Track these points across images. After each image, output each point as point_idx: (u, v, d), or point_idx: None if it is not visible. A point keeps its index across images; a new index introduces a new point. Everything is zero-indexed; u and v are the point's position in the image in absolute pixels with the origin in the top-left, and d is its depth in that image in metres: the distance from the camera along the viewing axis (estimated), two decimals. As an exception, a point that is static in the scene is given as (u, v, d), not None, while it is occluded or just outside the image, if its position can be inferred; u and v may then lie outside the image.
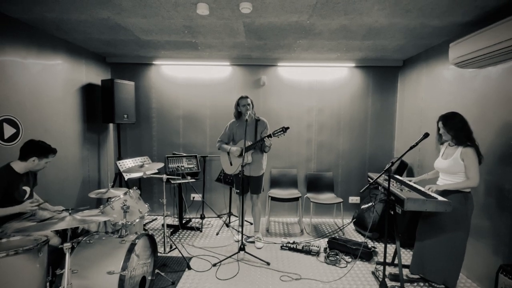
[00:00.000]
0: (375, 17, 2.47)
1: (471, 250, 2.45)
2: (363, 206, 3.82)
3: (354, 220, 3.83)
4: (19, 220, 2.23)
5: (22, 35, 2.71)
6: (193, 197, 4.28)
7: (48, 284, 1.87)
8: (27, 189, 2.30)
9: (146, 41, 3.29)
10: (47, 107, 3.03)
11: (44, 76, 3.00)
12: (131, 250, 1.96)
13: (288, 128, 2.91)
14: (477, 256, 2.54)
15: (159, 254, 2.63)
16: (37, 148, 2.25)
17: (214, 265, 2.83)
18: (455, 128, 2.20)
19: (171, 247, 3.16)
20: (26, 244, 1.76)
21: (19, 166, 2.22)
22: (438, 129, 2.33)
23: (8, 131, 2.54)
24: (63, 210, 2.39)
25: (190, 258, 2.96)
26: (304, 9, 2.34)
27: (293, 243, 3.21)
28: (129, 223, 2.42)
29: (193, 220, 4.10)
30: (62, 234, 2.21)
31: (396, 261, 2.78)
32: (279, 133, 2.92)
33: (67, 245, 1.71)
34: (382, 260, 2.50)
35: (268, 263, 2.86)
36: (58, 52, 3.19)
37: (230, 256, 2.93)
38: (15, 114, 2.61)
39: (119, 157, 3.90)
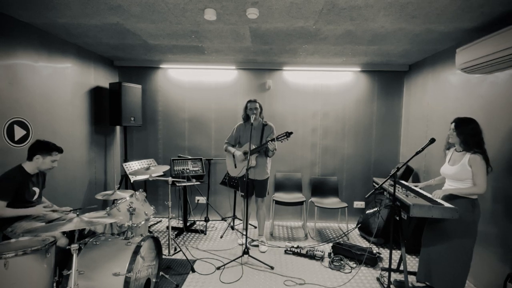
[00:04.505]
0: (381, 22, 2.47)
1: (478, 258, 2.41)
2: (368, 211, 3.79)
3: (359, 225, 3.81)
4: (28, 220, 2.26)
5: (34, 39, 2.78)
6: (198, 200, 4.30)
7: (55, 284, 1.90)
8: (37, 190, 2.35)
9: (154, 46, 3.34)
10: (56, 110, 3.09)
11: (54, 79, 3.06)
12: (136, 252, 1.98)
13: (291, 133, 2.92)
14: (484, 264, 2.50)
15: (163, 257, 2.65)
16: (40, 146, 2.29)
17: (218, 268, 2.83)
18: (466, 133, 2.17)
19: (175, 249, 3.17)
20: (34, 244, 1.79)
21: (29, 167, 2.27)
22: (449, 131, 2.31)
23: (19, 133, 2.60)
24: (71, 210, 2.42)
25: (194, 261, 2.97)
26: (310, 15, 2.36)
27: (297, 247, 3.20)
28: (135, 225, 2.45)
29: (197, 222, 4.13)
30: (69, 235, 2.24)
31: (401, 268, 2.75)
32: (282, 138, 2.93)
33: (74, 246, 1.74)
34: (387, 266, 2.48)
35: (272, 267, 2.86)
36: (68, 56, 3.26)
37: (234, 260, 2.94)
38: (26, 116, 2.67)
39: (126, 159, 3.94)
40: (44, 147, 2.30)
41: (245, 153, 3.22)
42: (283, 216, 4.29)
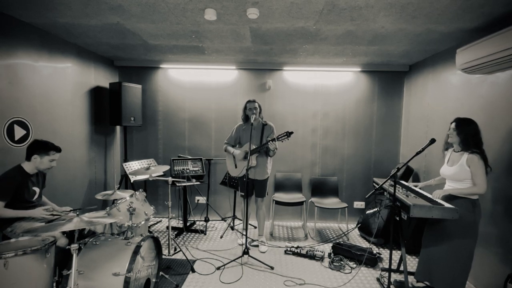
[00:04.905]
0: (381, 23, 2.47)
1: (478, 259, 2.41)
2: (368, 212, 3.79)
3: (359, 225, 3.81)
4: (28, 220, 2.26)
5: (34, 39, 2.78)
6: (198, 200, 4.30)
7: (54, 284, 1.90)
8: (37, 190, 2.34)
9: (154, 46, 3.34)
10: (56, 109, 3.09)
11: (54, 79, 3.06)
12: (136, 252, 1.98)
13: (292, 132, 2.92)
14: (484, 265, 2.50)
15: (163, 257, 2.65)
16: (38, 146, 2.28)
17: (218, 268, 2.83)
18: (466, 133, 2.18)
19: (175, 249, 3.17)
20: (34, 244, 1.79)
21: (27, 167, 2.27)
22: (448, 130, 2.31)
23: (19, 132, 2.60)
24: (70, 210, 2.42)
25: (194, 261, 2.97)
26: (311, 15, 2.36)
27: (297, 247, 3.20)
28: (135, 225, 2.45)
29: (197, 222, 4.12)
30: (69, 235, 2.24)
31: (401, 268, 2.75)
32: (283, 138, 2.93)
33: (74, 246, 1.73)
34: (387, 266, 2.48)
35: (271, 268, 2.86)
36: (68, 56, 3.26)
37: (234, 260, 2.94)
38: (26, 116, 2.67)
39: (126, 159, 3.94)
40: (42, 147, 2.28)
41: (245, 153, 3.22)
42: (283, 216, 4.29)
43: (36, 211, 2.23)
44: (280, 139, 2.93)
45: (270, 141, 2.97)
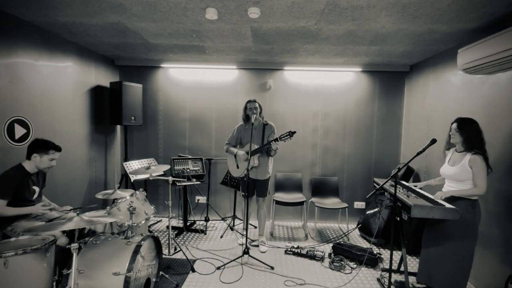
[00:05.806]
0: (383, 23, 2.47)
1: (479, 259, 2.41)
2: (368, 212, 3.79)
3: (359, 225, 3.80)
4: (28, 219, 2.26)
5: (35, 38, 2.78)
6: (198, 200, 4.30)
7: (54, 283, 1.90)
8: (37, 189, 2.34)
9: (155, 45, 3.34)
10: (57, 109, 3.08)
11: (55, 78, 3.06)
12: (136, 251, 1.98)
13: (294, 132, 2.92)
14: (485, 265, 2.49)
15: (163, 256, 2.64)
16: (37, 144, 2.27)
17: (218, 268, 2.83)
18: (469, 133, 2.18)
19: (175, 249, 3.17)
20: (34, 243, 1.78)
21: (28, 166, 2.27)
22: (450, 131, 2.30)
23: (19, 131, 2.59)
24: (71, 209, 2.41)
25: (194, 261, 2.96)
26: (312, 15, 2.36)
27: (298, 247, 3.20)
28: (135, 224, 2.44)
29: (197, 222, 4.12)
30: (69, 234, 2.23)
31: (402, 268, 2.75)
32: (285, 137, 2.93)
33: (74, 246, 1.73)
34: (387, 267, 2.47)
35: (272, 268, 2.85)
36: (68, 55, 3.25)
37: (234, 260, 2.93)
38: (26, 115, 2.66)
39: (126, 159, 3.94)
40: (42, 146, 2.28)
41: (247, 153, 3.21)
42: (283, 216, 4.29)
43: (34, 207, 2.23)
44: (283, 138, 2.94)
45: (273, 141, 2.97)
